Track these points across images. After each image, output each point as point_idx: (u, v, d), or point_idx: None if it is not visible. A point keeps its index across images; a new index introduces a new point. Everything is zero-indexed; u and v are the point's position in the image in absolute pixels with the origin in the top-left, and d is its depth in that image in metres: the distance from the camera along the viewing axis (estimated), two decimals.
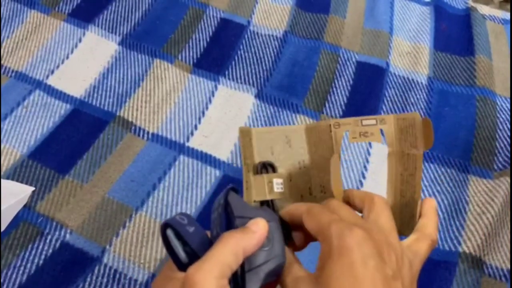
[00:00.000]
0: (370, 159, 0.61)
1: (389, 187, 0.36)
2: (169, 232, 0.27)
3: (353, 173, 0.59)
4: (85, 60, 0.69)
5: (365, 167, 0.60)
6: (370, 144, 0.62)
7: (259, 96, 0.67)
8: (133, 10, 0.77)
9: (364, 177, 0.59)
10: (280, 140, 0.40)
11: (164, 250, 0.51)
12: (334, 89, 0.68)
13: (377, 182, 0.58)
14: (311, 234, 0.28)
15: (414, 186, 0.34)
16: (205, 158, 0.59)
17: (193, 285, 0.23)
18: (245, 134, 0.39)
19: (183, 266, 0.27)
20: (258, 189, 0.36)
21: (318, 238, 0.27)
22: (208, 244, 0.27)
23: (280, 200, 0.38)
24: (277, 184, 0.38)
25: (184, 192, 0.56)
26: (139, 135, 0.61)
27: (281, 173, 0.39)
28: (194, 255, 0.26)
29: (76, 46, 0.71)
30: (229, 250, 0.25)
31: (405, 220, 0.34)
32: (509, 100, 0.68)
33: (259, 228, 0.27)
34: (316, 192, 0.39)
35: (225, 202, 0.28)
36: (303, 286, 0.26)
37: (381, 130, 0.37)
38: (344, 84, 0.69)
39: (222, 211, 0.28)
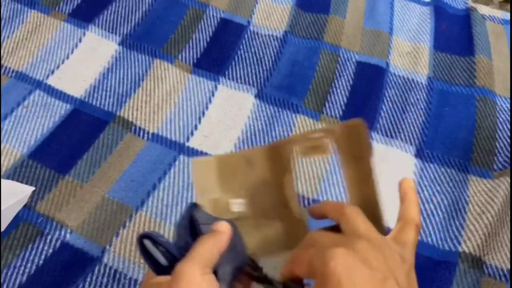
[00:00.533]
0: None
1: (349, 194, 0.37)
2: (147, 242, 0.32)
3: None
4: (85, 60, 0.69)
5: None
6: None
7: (259, 96, 0.67)
8: (133, 10, 0.77)
9: None
10: (241, 164, 0.43)
11: None
12: (334, 89, 0.68)
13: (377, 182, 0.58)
14: (309, 279, 0.29)
15: (373, 189, 0.35)
16: None
17: (183, 274, 0.28)
18: (201, 164, 0.42)
19: (162, 270, 0.31)
20: (215, 210, 0.39)
21: (313, 279, 0.28)
22: (179, 250, 0.32)
23: (243, 221, 0.40)
24: (236, 204, 0.41)
25: (184, 192, 0.56)
26: (139, 135, 0.62)
27: (241, 193, 0.42)
28: (172, 259, 0.31)
29: (76, 46, 0.71)
30: (207, 249, 0.30)
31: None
32: (509, 100, 0.68)
33: (224, 229, 0.32)
34: (280, 208, 0.41)
35: (189, 214, 0.33)
36: None
37: (331, 142, 0.38)
38: (344, 84, 0.69)
39: (187, 223, 0.33)
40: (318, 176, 0.59)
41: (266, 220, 0.41)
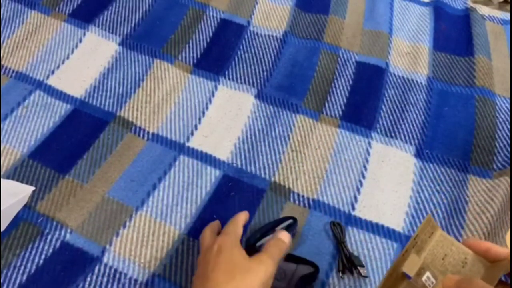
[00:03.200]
0: (369, 159, 0.61)
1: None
2: None
3: (353, 173, 0.59)
4: (85, 61, 0.70)
5: (364, 167, 0.60)
6: (369, 144, 0.62)
7: (259, 96, 0.67)
8: (134, 10, 0.77)
9: (364, 177, 0.59)
10: (458, 257, 0.41)
11: (164, 250, 0.51)
12: (334, 89, 0.68)
13: (377, 182, 0.58)
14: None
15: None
16: (205, 158, 0.60)
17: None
18: (429, 224, 0.41)
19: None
20: (410, 265, 0.39)
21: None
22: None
23: None
24: (429, 280, 0.39)
25: (184, 192, 0.56)
26: (139, 135, 0.62)
27: (438, 276, 0.40)
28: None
29: (76, 46, 0.71)
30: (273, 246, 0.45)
31: None
32: (508, 100, 0.68)
33: (286, 239, 0.46)
34: None
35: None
36: None
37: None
38: (344, 84, 0.69)
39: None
40: (318, 176, 0.59)
41: None
